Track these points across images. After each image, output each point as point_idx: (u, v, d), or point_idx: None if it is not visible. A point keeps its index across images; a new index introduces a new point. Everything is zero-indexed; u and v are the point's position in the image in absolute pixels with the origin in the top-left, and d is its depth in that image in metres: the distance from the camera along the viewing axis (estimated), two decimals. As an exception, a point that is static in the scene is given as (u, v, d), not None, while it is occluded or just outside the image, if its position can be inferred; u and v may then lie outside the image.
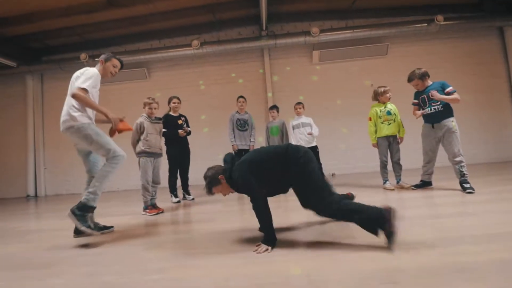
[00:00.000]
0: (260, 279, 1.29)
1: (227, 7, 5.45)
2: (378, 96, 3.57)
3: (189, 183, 3.99)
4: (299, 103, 4.37)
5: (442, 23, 5.14)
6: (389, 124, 3.47)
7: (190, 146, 4.00)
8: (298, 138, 4.17)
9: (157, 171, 3.20)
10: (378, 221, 1.54)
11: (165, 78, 6.13)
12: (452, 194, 2.88)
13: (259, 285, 1.24)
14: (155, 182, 3.20)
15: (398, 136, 3.52)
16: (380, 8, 5.66)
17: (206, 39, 5.89)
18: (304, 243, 1.78)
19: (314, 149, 4.08)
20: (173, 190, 3.75)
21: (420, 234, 1.76)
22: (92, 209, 2.10)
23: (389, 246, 1.52)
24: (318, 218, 1.85)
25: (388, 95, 3.53)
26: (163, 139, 3.64)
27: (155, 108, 3.19)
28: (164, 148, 3.72)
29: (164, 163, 3.77)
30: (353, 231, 1.86)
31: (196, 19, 5.78)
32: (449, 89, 3.03)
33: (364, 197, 3.14)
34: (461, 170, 2.95)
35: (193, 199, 3.90)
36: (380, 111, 3.51)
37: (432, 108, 3.09)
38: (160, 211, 3.12)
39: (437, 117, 3.06)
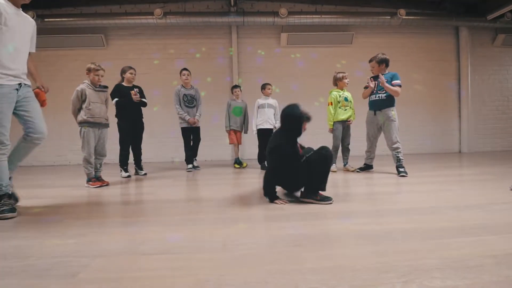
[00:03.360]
0: (173, 244, 1.32)
1: (195, -24, 5.15)
2: (337, 81, 3.67)
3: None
4: (268, 84, 4.32)
5: (404, 17, 5.33)
6: (345, 110, 3.60)
7: (144, 120, 3.85)
8: (266, 117, 4.12)
9: (103, 142, 3.05)
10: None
11: (124, 47, 5.73)
12: (388, 177, 3.13)
13: (171, 248, 1.26)
14: (100, 154, 3.06)
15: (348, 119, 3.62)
16: (349, -5, 5.70)
17: (171, 9, 5.56)
18: (234, 215, 1.84)
19: (271, 132, 4.13)
20: (123, 165, 3.62)
21: (349, 208, 1.90)
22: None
23: None
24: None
25: (346, 80, 3.64)
26: (113, 110, 3.46)
27: (101, 76, 2.99)
28: (115, 120, 3.55)
29: (116, 136, 3.63)
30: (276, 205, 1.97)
31: (162, -14, 5.40)
32: (395, 81, 3.21)
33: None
34: (397, 155, 3.20)
35: (145, 174, 3.81)
36: (340, 96, 3.61)
37: (377, 96, 3.26)
38: (104, 183, 3.01)
39: (379, 105, 3.24)
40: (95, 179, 3.00)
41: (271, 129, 4.13)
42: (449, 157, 5.31)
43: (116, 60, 5.62)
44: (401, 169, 3.16)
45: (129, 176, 3.58)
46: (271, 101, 4.18)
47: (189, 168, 4.05)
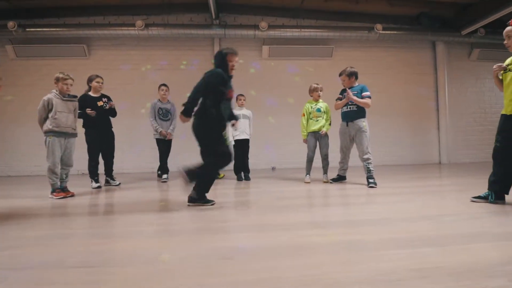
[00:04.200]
0: (101, 257, 1.28)
1: (178, -10, 5.26)
2: (311, 92, 3.73)
3: (114, 169, 3.82)
4: (241, 95, 4.39)
5: (381, 32, 5.49)
6: (317, 121, 3.63)
7: (117, 129, 3.82)
8: (242, 128, 4.12)
9: (69, 152, 3.00)
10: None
11: (107, 57, 5.76)
12: (357, 188, 3.14)
13: (97, 262, 1.22)
14: (67, 164, 3.01)
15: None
16: (329, 11, 5.87)
17: (155, 21, 5.64)
18: (179, 227, 1.81)
19: (247, 142, 4.14)
20: (92, 175, 3.56)
21: (299, 219, 1.88)
22: None
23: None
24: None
25: (318, 93, 3.66)
26: (80, 120, 3.43)
27: (70, 85, 2.98)
28: (83, 130, 3.52)
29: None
30: (226, 216, 1.95)
31: (146, -1, 5.50)
32: (364, 93, 3.27)
33: (283, 187, 3.30)
34: (368, 166, 3.22)
35: (119, 184, 3.75)
36: (311, 107, 3.66)
37: (348, 107, 3.31)
38: (68, 194, 2.95)
39: (351, 116, 3.29)
40: (60, 190, 2.93)
41: (247, 140, 4.14)
42: (427, 168, 5.37)
43: (98, 70, 5.62)
44: (370, 180, 3.18)
45: (99, 187, 3.51)
46: (245, 111, 4.21)
47: (164, 179, 4.03)
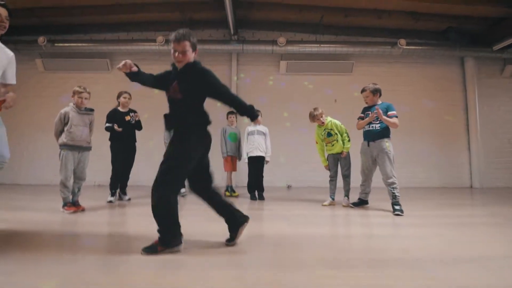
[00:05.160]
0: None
1: (199, 7, 5.38)
2: (312, 120, 3.53)
3: (130, 183, 3.81)
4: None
5: (405, 47, 5.27)
6: (333, 145, 3.44)
7: (138, 144, 3.84)
8: (256, 144, 4.01)
9: (82, 166, 2.99)
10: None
11: (128, 72, 5.91)
12: (381, 215, 2.86)
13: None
14: (80, 178, 2.99)
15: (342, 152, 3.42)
16: (349, 26, 5.76)
17: (175, 37, 5.77)
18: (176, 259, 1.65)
19: (262, 159, 3.99)
20: (111, 187, 3.55)
21: (317, 254, 1.68)
22: None
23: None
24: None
25: (321, 118, 3.45)
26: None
27: (85, 98, 3.00)
28: (108, 143, 3.61)
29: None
30: (236, 247, 1.77)
31: (167, 16, 5.66)
32: (391, 112, 3.05)
33: (299, 211, 3.08)
34: (393, 192, 2.94)
35: (129, 199, 3.70)
36: (322, 134, 3.51)
37: (371, 125, 3.09)
38: (79, 209, 2.90)
39: (373, 135, 3.06)
40: (71, 204, 2.90)
41: (262, 157, 3.99)
42: (458, 192, 4.93)
43: (119, 83, 5.78)
44: (396, 207, 2.89)
45: (111, 202, 3.47)
46: (261, 127, 4.08)
47: (182, 193, 3.97)
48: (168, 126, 1.87)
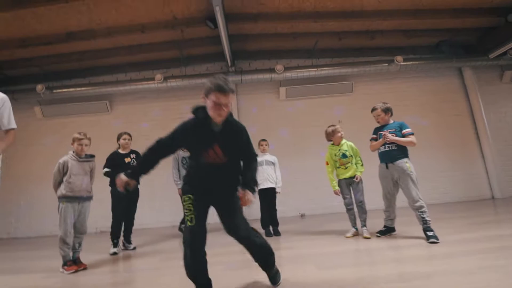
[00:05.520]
0: None
1: (195, 43, 5.45)
2: (330, 137, 3.30)
3: (137, 227, 3.56)
4: (264, 140, 4.14)
5: (402, 63, 5.29)
6: (346, 168, 3.17)
7: (142, 187, 3.62)
8: (266, 176, 3.77)
9: (83, 218, 2.75)
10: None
11: (128, 111, 5.87)
12: (417, 244, 2.59)
13: None
14: (80, 231, 2.74)
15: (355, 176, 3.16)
16: (344, 48, 5.84)
17: (173, 74, 5.81)
18: None
19: (273, 191, 3.76)
20: (113, 237, 3.27)
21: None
22: None
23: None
24: None
25: (339, 134, 3.22)
26: (105, 179, 3.28)
27: (86, 145, 2.83)
28: (108, 188, 3.38)
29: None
30: None
31: (164, 54, 5.73)
32: (405, 130, 2.90)
33: (320, 247, 2.79)
34: (423, 216, 2.70)
35: (134, 248, 3.40)
36: (335, 154, 3.23)
37: (386, 146, 2.92)
38: (81, 267, 2.62)
39: (391, 157, 2.87)
40: (71, 262, 2.62)
41: (273, 188, 3.76)
42: (481, 206, 4.64)
43: (120, 124, 5.71)
44: (429, 233, 2.62)
45: (115, 254, 3.17)
46: (269, 157, 3.90)
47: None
48: (210, 199, 1.61)
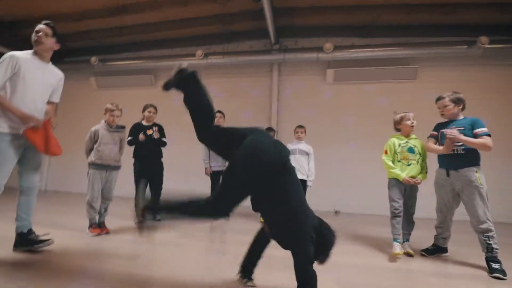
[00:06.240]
0: None
1: (238, 18, 5.15)
2: (397, 125, 2.70)
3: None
4: (301, 127, 3.76)
5: (486, 46, 4.21)
6: (409, 165, 2.55)
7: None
8: (297, 166, 3.36)
9: (110, 185, 2.85)
10: None
11: (170, 86, 5.96)
12: (473, 275, 2.04)
13: None
14: (107, 198, 2.85)
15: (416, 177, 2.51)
16: (411, 25, 4.88)
17: (216, 50, 5.65)
18: None
19: (304, 184, 3.42)
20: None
21: None
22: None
23: None
24: None
25: (409, 122, 2.59)
26: (129, 150, 3.33)
27: (117, 116, 2.88)
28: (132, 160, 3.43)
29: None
30: None
31: (207, 29, 5.58)
32: (479, 130, 2.23)
33: (351, 256, 2.39)
34: (489, 242, 2.11)
35: (159, 220, 3.45)
36: (399, 145, 2.61)
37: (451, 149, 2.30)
38: (103, 231, 2.75)
39: (456, 162, 2.26)
40: (96, 226, 2.76)
41: (304, 180, 3.42)
42: None
43: (162, 98, 5.83)
44: (494, 266, 2.04)
45: (139, 223, 3.26)
46: (303, 146, 3.53)
47: None
48: None
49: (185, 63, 1.63)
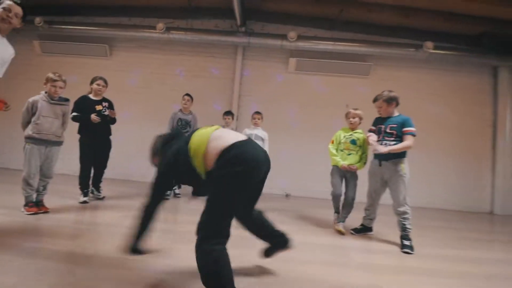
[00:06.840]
0: None
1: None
2: (346, 118, 3.06)
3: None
4: (258, 113, 3.92)
5: (431, 51, 4.67)
6: (349, 154, 2.90)
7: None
8: None
9: (50, 162, 2.66)
10: None
11: (128, 59, 5.57)
12: (387, 251, 2.40)
13: None
14: (46, 175, 2.67)
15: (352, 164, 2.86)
16: (371, 24, 5.16)
17: (180, 25, 5.36)
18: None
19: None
20: (83, 187, 3.19)
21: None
22: None
23: None
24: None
25: (351, 120, 2.96)
26: (74, 125, 3.11)
27: (60, 87, 2.66)
28: (77, 136, 3.21)
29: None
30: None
31: (172, 1, 5.26)
32: (407, 129, 2.55)
33: (299, 235, 2.62)
34: (404, 223, 2.47)
35: (103, 198, 3.37)
36: (344, 137, 2.96)
37: (384, 142, 2.60)
38: (41, 210, 2.59)
39: (387, 154, 2.56)
40: (33, 204, 2.59)
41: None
42: (477, 220, 4.35)
43: (117, 72, 5.47)
44: (405, 242, 2.42)
45: (85, 202, 3.13)
46: (259, 132, 3.65)
47: (178, 194, 3.88)
48: None
49: None
